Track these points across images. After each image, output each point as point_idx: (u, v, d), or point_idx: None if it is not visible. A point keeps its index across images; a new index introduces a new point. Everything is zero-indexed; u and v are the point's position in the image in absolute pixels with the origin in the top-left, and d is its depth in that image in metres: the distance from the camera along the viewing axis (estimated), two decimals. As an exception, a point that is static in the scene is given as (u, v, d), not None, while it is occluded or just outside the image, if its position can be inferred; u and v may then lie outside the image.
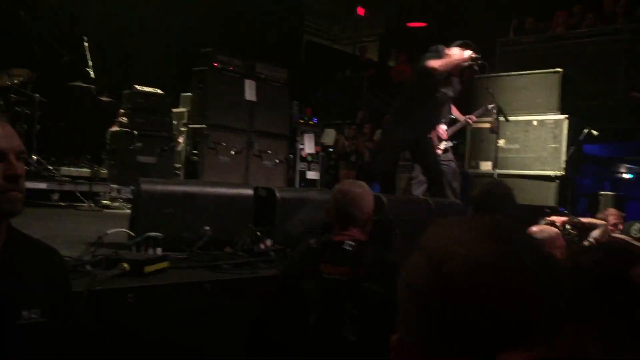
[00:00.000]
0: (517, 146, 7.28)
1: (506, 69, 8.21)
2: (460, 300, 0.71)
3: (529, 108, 7.25)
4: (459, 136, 7.17)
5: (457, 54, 5.47)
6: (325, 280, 2.44)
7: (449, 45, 5.90)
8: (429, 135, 5.81)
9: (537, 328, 0.71)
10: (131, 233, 2.92)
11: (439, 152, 6.28)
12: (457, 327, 0.71)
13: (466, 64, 5.49)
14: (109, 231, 2.74)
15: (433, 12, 11.95)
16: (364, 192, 2.66)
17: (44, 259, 1.75)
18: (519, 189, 7.06)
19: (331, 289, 2.43)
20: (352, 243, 2.49)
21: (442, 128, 6.31)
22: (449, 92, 5.65)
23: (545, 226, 3.36)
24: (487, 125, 7.00)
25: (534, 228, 3.40)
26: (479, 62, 6.18)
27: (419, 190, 6.22)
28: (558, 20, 9.41)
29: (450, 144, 6.50)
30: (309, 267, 2.49)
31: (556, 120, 7.09)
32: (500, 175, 6.73)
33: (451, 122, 6.61)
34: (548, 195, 6.99)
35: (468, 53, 5.40)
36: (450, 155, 6.63)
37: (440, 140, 6.27)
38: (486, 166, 7.42)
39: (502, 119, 6.47)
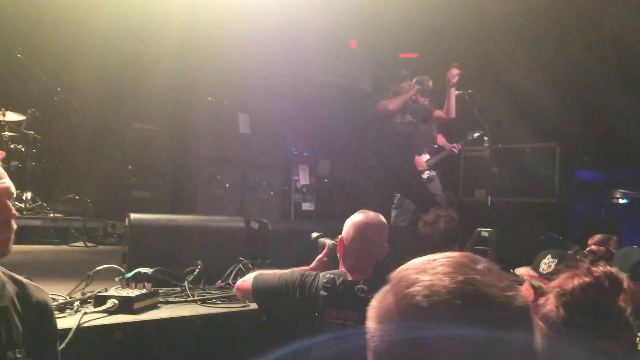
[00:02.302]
0: (510, 173, 7.32)
1: (497, 97, 8.29)
2: (419, 319, 0.74)
3: (522, 136, 7.31)
4: (450, 164, 7.19)
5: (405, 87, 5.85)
6: (329, 324, 2.36)
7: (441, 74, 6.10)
8: (407, 167, 5.93)
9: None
10: (121, 269, 2.91)
11: (423, 179, 6.30)
12: (418, 342, 0.73)
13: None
14: (99, 267, 2.74)
15: (425, 43, 12.10)
16: (385, 224, 2.62)
17: (28, 299, 1.74)
18: (514, 217, 7.09)
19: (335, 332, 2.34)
20: (365, 287, 2.39)
21: (422, 158, 6.34)
22: (408, 118, 5.83)
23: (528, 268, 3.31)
24: (480, 153, 7.04)
25: (518, 270, 3.36)
26: (469, 91, 6.27)
27: (403, 218, 6.20)
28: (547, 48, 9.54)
29: (432, 173, 6.46)
30: (311, 311, 2.39)
31: (549, 147, 7.14)
32: (494, 202, 6.73)
33: (438, 150, 6.61)
34: (542, 222, 7.00)
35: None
36: (437, 184, 6.58)
37: (421, 171, 6.30)
38: (480, 194, 7.43)
39: (494, 147, 6.51)
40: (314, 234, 3.13)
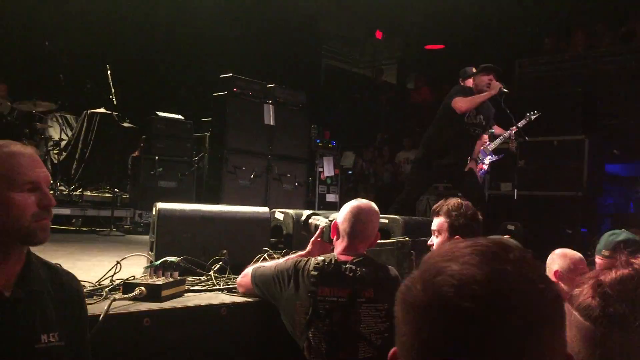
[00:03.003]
0: (537, 167, 7.22)
1: (525, 88, 8.19)
2: (448, 312, 0.72)
3: (549, 128, 7.19)
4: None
5: (482, 81, 5.52)
6: (324, 302, 2.50)
7: (468, 65, 5.95)
8: (464, 162, 5.78)
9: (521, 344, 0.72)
10: (149, 257, 2.96)
11: (485, 167, 6.20)
12: (445, 338, 0.72)
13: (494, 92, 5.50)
14: (127, 256, 2.79)
15: (451, 34, 11.98)
16: (376, 211, 2.76)
17: (61, 284, 1.79)
18: (541, 210, 7.00)
19: (328, 310, 2.49)
20: (353, 267, 2.55)
21: (482, 142, 6.21)
22: (479, 119, 5.67)
23: (569, 251, 3.30)
24: (507, 145, 6.96)
25: (558, 251, 3.35)
26: (501, 89, 6.17)
27: None
28: (577, 40, 9.37)
29: (495, 157, 6.37)
30: (306, 292, 2.54)
31: (576, 140, 7.03)
32: (520, 195, 6.66)
33: (492, 138, 6.49)
34: (570, 216, 6.90)
35: (492, 82, 5.45)
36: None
37: (485, 155, 6.18)
38: (506, 187, 7.35)
39: (521, 139, 6.43)
40: (305, 213, 3.21)
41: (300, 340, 2.52)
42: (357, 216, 2.68)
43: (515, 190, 6.56)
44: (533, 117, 6.22)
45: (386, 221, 4.41)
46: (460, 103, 5.45)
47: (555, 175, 7.08)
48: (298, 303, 2.55)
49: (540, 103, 7.40)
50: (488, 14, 10.68)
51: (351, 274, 2.53)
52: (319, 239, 2.93)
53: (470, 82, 5.88)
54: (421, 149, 5.82)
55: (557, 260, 3.23)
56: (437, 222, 2.91)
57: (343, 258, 2.62)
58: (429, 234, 3.12)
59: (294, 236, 3.89)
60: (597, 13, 9.67)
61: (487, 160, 6.18)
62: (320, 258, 2.62)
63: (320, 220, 3.03)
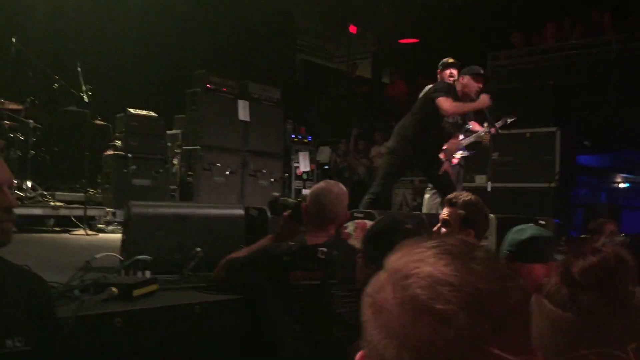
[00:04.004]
0: (510, 159, 7.30)
1: (497, 82, 8.27)
2: (420, 315, 0.72)
3: (522, 121, 7.27)
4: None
5: (472, 87, 5.43)
6: (297, 286, 2.54)
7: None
8: (438, 155, 5.76)
9: (497, 341, 0.71)
10: (119, 257, 2.92)
11: (455, 161, 6.19)
12: (417, 342, 0.71)
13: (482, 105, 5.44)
14: (98, 255, 2.75)
15: (424, 28, 12.05)
16: (344, 192, 2.80)
17: (28, 287, 1.75)
18: (514, 202, 7.09)
19: (302, 294, 2.52)
20: (325, 249, 2.58)
21: (456, 139, 6.17)
22: (456, 119, 5.66)
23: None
24: (480, 138, 7.02)
25: None
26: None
27: (437, 202, 6.19)
28: (547, 33, 9.49)
29: (467, 153, 6.38)
30: (278, 277, 2.57)
31: (548, 132, 7.13)
32: (494, 188, 6.73)
33: (467, 134, 6.50)
34: (543, 207, 7.00)
35: (483, 97, 5.33)
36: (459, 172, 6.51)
37: (457, 149, 6.17)
38: (481, 179, 7.43)
39: (494, 131, 6.48)
40: (274, 194, 3.24)
41: (274, 325, 2.55)
42: (326, 197, 2.71)
43: (489, 182, 6.64)
44: (509, 121, 6.24)
45: (361, 215, 4.42)
46: (448, 106, 5.24)
47: (528, 167, 7.18)
48: (271, 288, 2.57)
49: (512, 96, 7.50)
50: (460, 8, 10.76)
51: (323, 257, 2.55)
52: (288, 220, 2.94)
53: (447, 74, 5.84)
54: (394, 138, 5.69)
55: None
56: (451, 212, 2.89)
57: (314, 241, 2.64)
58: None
59: (269, 232, 3.86)
60: (566, 7, 9.81)
61: (459, 154, 6.21)
62: (291, 243, 2.65)
63: (288, 201, 3.06)
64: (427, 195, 6.29)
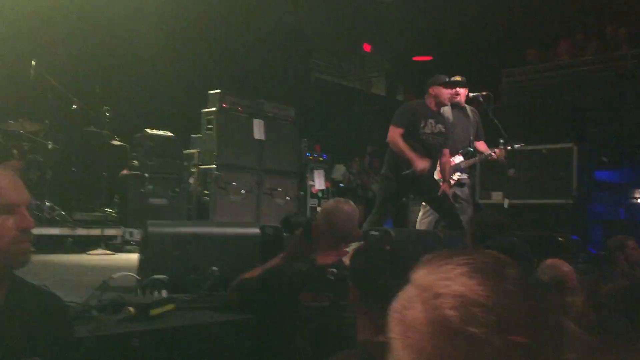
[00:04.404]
0: (527, 175, 7.25)
1: (512, 98, 8.24)
2: (452, 337, 0.71)
3: (538, 137, 7.24)
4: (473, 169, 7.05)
5: (442, 94, 5.52)
6: (307, 308, 2.50)
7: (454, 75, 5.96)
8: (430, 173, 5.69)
9: None
10: (136, 276, 2.94)
11: (452, 182, 6.11)
12: None
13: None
14: (115, 275, 2.76)
15: (438, 46, 12.08)
16: (354, 210, 2.77)
17: (46, 307, 1.77)
18: (532, 218, 7.03)
19: (312, 315, 2.49)
20: (335, 270, 2.54)
21: (453, 160, 6.11)
22: (439, 128, 5.60)
23: (560, 262, 3.29)
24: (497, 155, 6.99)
25: (549, 262, 3.35)
26: (484, 93, 6.22)
27: (428, 220, 6.11)
28: (562, 49, 9.47)
29: (464, 176, 6.28)
30: (288, 298, 2.54)
31: (565, 148, 7.07)
32: (511, 204, 6.69)
33: (472, 155, 6.42)
34: (561, 224, 6.92)
35: (418, 164, 5.29)
36: (466, 189, 6.39)
37: (454, 170, 6.11)
38: (497, 196, 7.39)
39: (510, 148, 6.46)
40: (287, 214, 3.22)
41: (286, 346, 2.53)
42: (337, 216, 2.69)
43: (506, 199, 6.60)
44: (517, 147, 6.21)
45: (377, 233, 4.41)
46: (391, 135, 5.45)
47: (545, 184, 7.12)
48: (282, 310, 2.55)
49: (527, 112, 7.47)
50: (474, 25, 10.78)
51: (333, 277, 2.53)
52: (300, 238, 2.92)
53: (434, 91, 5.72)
54: (385, 163, 5.71)
55: (548, 271, 3.22)
56: None
57: (324, 260, 2.62)
58: (424, 247, 3.10)
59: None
60: (581, 23, 9.80)
61: (455, 176, 6.11)
62: (300, 263, 2.63)
63: (300, 220, 3.04)
64: (420, 213, 6.18)
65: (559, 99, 7.36)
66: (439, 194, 5.55)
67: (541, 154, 7.22)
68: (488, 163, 7.14)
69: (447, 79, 5.65)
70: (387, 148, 5.70)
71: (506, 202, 6.66)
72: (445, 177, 5.71)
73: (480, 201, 7.59)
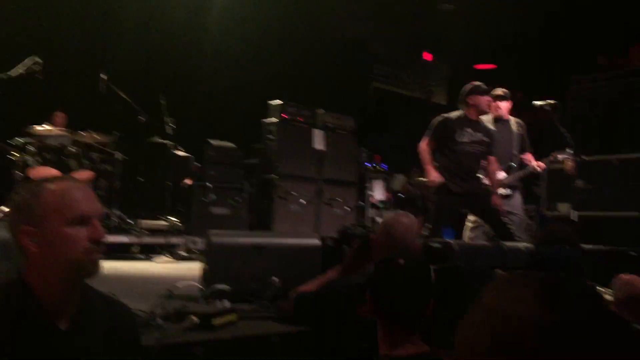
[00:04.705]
0: (597, 186, 6.96)
1: (581, 106, 7.94)
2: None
3: (608, 146, 6.95)
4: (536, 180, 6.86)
5: (481, 101, 5.42)
6: (364, 322, 2.44)
7: (516, 85, 5.81)
8: (475, 184, 5.56)
9: None
10: (199, 285, 2.98)
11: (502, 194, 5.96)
12: None
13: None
14: (179, 284, 2.81)
15: (501, 53, 11.81)
16: (414, 223, 2.75)
17: (116, 316, 1.81)
18: (600, 232, 6.73)
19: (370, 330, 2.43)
20: None
21: (497, 176, 5.93)
22: (479, 137, 5.46)
23: (635, 277, 3.10)
24: (561, 166, 6.75)
25: (623, 277, 3.18)
26: (550, 101, 6.02)
27: (477, 232, 5.95)
28: (635, 55, 9.08)
29: (509, 191, 6.11)
30: (345, 312, 2.50)
31: (637, 158, 6.75)
32: (580, 216, 6.44)
33: (518, 169, 6.25)
34: (634, 238, 6.59)
35: (431, 180, 5.35)
36: (516, 201, 6.21)
37: (499, 185, 5.95)
38: (565, 208, 7.12)
39: (579, 158, 6.23)
40: (344, 226, 3.19)
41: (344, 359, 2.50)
42: (396, 229, 2.65)
43: (574, 211, 6.36)
44: (560, 158, 6.01)
45: (439, 246, 4.32)
46: (420, 144, 5.59)
47: (616, 195, 6.81)
48: (339, 324, 2.53)
49: (597, 120, 7.19)
50: (539, 31, 10.49)
51: None
52: (357, 251, 2.90)
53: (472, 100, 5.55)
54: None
55: (622, 287, 3.05)
56: None
57: None
58: (484, 259, 3.02)
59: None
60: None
61: (504, 191, 5.94)
62: (358, 276, 2.59)
63: (357, 232, 3.02)
64: (468, 233, 5.99)
65: (631, 107, 7.02)
66: (490, 205, 5.43)
67: (612, 165, 6.92)
68: (555, 173, 6.94)
69: (484, 87, 5.51)
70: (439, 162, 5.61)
71: (574, 215, 6.41)
72: (494, 188, 5.57)
73: (547, 213, 7.34)
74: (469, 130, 5.43)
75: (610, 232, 6.61)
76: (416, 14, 10.93)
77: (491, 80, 6.32)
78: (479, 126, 5.51)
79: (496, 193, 5.60)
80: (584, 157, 6.23)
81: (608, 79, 8.45)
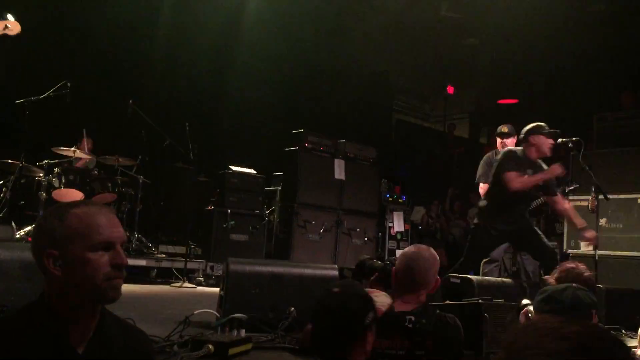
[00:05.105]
0: (620, 226, 6.86)
1: (605, 144, 7.86)
2: None
3: (632, 185, 6.86)
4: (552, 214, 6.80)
5: (545, 143, 5.16)
6: (383, 355, 2.41)
7: (542, 120, 5.73)
8: (521, 222, 5.45)
9: None
10: (216, 313, 2.99)
11: None
12: None
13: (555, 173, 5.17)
14: (196, 312, 2.83)
15: (524, 88, 11.80)
16: (434, 257, 2.69)
17: (132, 342, 1.82)
18: (625, 272, 6.60)
19: None
20: (413, 317, 2.46)
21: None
22: (529, 173, 5.38)
23: None
24: (586, 203, 6.67)
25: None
26: (574, 139, 5.97)
27: (489, 267, 5.86)
28: (659, 94, 9.01)
29: None
30: None
31: (663, 198, 6.65)
32: (601, 256, 6.32)
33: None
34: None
35: (554, 167, 5.08)
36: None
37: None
38: (587, 247, 7.01)
39: (601, 197, 6.15)
40: (362, 257, 3.16)
41: None
42: (417, 262, 2.62)
43: (596, 250, 6.25)
44: (567, 190, 5.91)
45: (458, 281, 4.29)
46: (514, 182, 5.00)
47: (639, 235, 6.70)
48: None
49: (621, 158, 7.10)
50: (563, 67, 10.48)
51: (410, 325, 2.45)
52: (374, 284, 2.88)
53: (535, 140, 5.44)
54: (481, 213, 5.43)
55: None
56: None
57: (402, 308, 2.55)
58: (504, 296, 2.98)
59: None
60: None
61: None
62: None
63: (375, 265, 3.00)
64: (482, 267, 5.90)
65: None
66: (593, 244, 5.33)
67: (636, 203, 6.83)
68: (578, 211, 6.83)
69: (548, 129, 5.28)
70: (472, 193, 5.54)
71: (596, 254, 6.30)
72: (580, 224, 5.39)
73: (569, 251, 7.23)
74: (529, 171, 5.15)
75: (633, 272, 6.49)
76: (440, 47, 11.00)
77: (513, 115, 6.32)
78: (537, 167, 5.25)
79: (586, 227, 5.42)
80: (607, 196, 6.14)
81: (632, 117, 8.38)
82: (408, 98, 14.46)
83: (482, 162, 6.35)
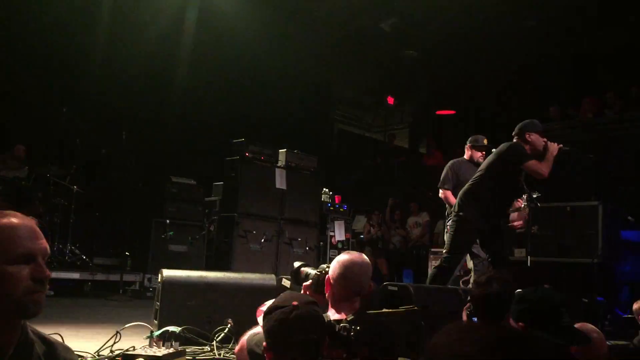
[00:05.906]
0: (550, 233, 7.12)
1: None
2: None
3: (562, 194, 7.15)
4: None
5: (539, 141, 5.12)
6: None
7: (479, 132, 5.88)
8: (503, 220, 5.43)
9: None
10: (149, 326, 2.92)
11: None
12: None
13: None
14: (127, 325, 2.75)
15: (461, 100, 12.16)
16: (367, 263, 2.67)
17: (54, 359, 1.75)
18: (556, 277, 6.86)
19: None
20: (347, 325, 2.46)
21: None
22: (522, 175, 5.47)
23: (587, 326, 3.13)
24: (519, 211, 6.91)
25: (577, 326, 3.21)
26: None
27: (476, 261, 5.93)
28: (585, 108, 9.46)
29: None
30: None
31: (590, 206, 6.95)
32: (534, 262, 6.54)
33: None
34: (586, 284, 6.74)
35: (550, 144, 5.10)
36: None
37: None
38: (520, 253, 7.25)
39: (533, 205, 6.38)
40: (296, 264, 3.15)
41: None
42: (350, 269, 2.59)
43: (529, 256, 6.47)
44: (535, 196, 6.08)
45: (395, 289, 4.34)
46: (543, 168, 4.95)
47: (569, 242, 6.97)
48: None
49: (551, 169, 7.39)
50: (497, 81, 10.87)
51: (345, 333, 2.46)
52: (309, 291, 2.86)
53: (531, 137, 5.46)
54: (466, 206, 5.21)
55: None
56: None
57: (337, 316, 2.56)
58: (442, 302, 3.03)
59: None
60: (604, 82, 9.81)
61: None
62: None
63: (310, 270, 2.97)
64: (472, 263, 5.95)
65: (583, 157, 7.25)
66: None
67: (565, 211, 7.11)
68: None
69: (541, 126, 5.32)
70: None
71: (529, 260, 6.53)
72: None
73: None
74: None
75: (564, 278, 6.74)
76: (380, 59, 11.20)
77: (451, 125, 6.48)
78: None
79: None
80: (538, 204, 6.37)
81: (560, 129, 8.77)
82: (349, 108, 14.63)
83: (447, 169, 6.21)
